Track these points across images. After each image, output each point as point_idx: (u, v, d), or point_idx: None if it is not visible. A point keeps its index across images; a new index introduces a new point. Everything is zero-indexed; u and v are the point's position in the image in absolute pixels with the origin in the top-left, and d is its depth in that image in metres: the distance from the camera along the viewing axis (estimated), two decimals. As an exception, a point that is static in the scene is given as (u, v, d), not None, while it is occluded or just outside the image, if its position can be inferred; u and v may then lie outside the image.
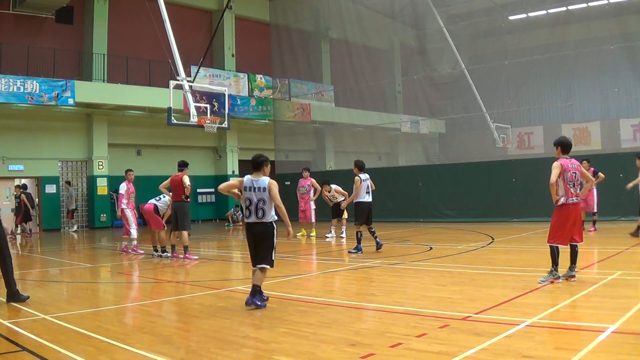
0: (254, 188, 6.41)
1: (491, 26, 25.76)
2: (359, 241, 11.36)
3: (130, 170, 12.96)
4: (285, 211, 6.45)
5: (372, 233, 11.47)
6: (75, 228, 21.68)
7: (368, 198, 11.47)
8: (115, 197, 21.82)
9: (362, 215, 11.40)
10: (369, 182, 11.56)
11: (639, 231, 12.03)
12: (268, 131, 26.95)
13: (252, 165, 6.63)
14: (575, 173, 7.13)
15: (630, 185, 12.60)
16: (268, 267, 6.44)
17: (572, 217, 7.09)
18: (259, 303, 6.28)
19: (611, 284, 6.92)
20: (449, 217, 19.42)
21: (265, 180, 6.44)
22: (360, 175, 11.44)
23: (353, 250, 11.36)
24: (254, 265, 6.49)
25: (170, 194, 11.58)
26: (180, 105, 19.41)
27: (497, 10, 24.95)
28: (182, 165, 11.54)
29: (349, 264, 10.12)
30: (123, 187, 12.65)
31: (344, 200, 14.30)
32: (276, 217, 6.50)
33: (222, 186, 6.73)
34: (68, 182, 21.69)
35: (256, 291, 6.34)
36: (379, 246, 11.29)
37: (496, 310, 5.72)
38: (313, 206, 15.69)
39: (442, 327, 5.10)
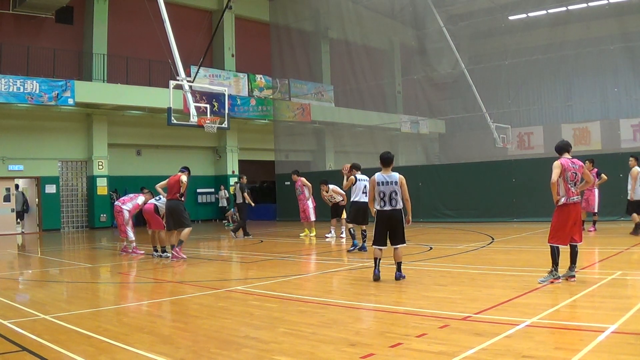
0: (387, 182, 7.68)
1: (491, 26, 25.72)
2: (353, 237, 11.58)
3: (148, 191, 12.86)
4: (410, 203, 7.80)
5: (363, 235, 11.54)
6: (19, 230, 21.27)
7: (365, 198, 11.43)
8: (115, 197, 21.85)
9: (358, 214, 11.41)
10: (367, 183, 11.50)
11: (637, 229, 12.10)
12: (268, 131, 26.95)
13: (382, 162, 7.86)
14: (576, 173, 7.13)
15: None
16: (404, 245, 7.82)
17: (573, 217, 7.08)
18: (404, 275, 7.71)
19: (611, 284, 6.91)
20: (449, 217, 19.42)
21: (395, 175, 7.73)
22: (357, 175, 11.49)
23: (351, 248, 11.50)
24: (382, 245, 7.73)
25: (165, 194, 11.56)
26: (180, 105, 19.41)
27: (497, 10, 24.92)
28: (184, 169, 11.59)
29: (349, 263, 10.13)
30: (141, 200, 12.40)
31: (342, 200, 14.38)
32: (402, 205, 7.74)
33: (369, 199, 8.00)
34: (17, 185, 21.53)
35: (400, 266, 7.75)
36: (363, 249, 11.34)
37: (496, 310, 5.71)
38: (311, 205, 15.73)
39: (442, 327, 5.10)
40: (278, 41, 26.73)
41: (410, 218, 7.94)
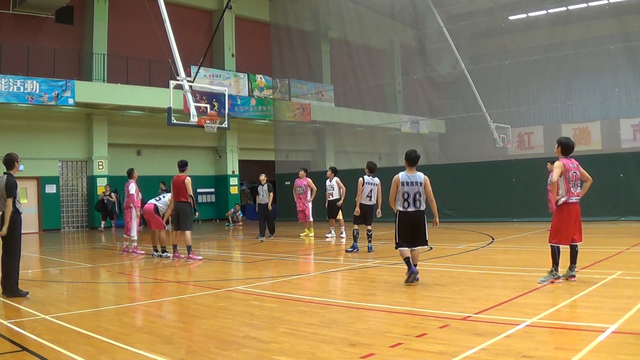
0: (411, 182, 7.45)
1: (491, 26, 25.74)
2: (355, 239, 11.56)
3: (133, 169, 12.86)
4: (435, 203, 7.57)
5: (369, 235, 11.59)
6: None
7: (369, 202, 11.62)
8: (115, 198, 21.83)
9: (359, 216, 11.55)
10: (374, 188, 11.64)
11: None
12: (268, 131, 26.95)
13: (407, 161, 7.60)
14: (575, 172, 7.16)
15: None
16: (425, 247, 7.79)
17: (574, 217, 7.12)
18: (418, 278, 7.41)
19: (611, 284, 6.91)
20: (449, 217, 19.36)
21: (420, 175, 7.53)
22: (365, 177, 11.57)
23: (349, 249, 11.56)
24: (407, 246, 7.47)
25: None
26: (180, 105, 19.40)
27: (497, 10, 24.94)
28: (183, 166, 11.48)
29: (349, 264, 10.12)
30: (133, 187, 12.41)
31: (339, 200, 14.48)
32: (425, 206, 7.52)
33: (390, 199, 7.64)
34: None
35: (416, 267, 7.47)
36: (369, 250, 11.38)
37: (496, 310, 5.72)
38: (310, 205, 15.69)
39: (442, 327, 5.10)
40: (278, 41, 26.73)
41: (437, 220, 7.78)
